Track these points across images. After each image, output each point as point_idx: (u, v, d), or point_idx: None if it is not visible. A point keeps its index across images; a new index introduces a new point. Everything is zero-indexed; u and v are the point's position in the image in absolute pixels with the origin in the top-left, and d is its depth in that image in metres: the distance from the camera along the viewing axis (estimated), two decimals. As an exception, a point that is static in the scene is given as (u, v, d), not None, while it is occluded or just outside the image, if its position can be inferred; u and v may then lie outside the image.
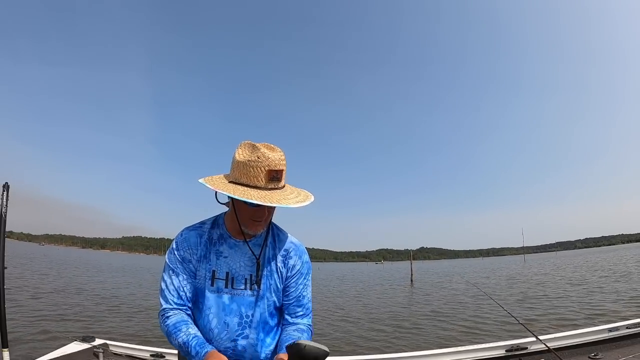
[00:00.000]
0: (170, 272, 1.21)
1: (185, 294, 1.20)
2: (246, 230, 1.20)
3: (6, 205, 2.66)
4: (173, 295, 1.19)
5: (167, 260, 1.23)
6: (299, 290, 1.28)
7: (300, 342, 0.91)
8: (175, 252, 1.22)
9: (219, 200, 1.23)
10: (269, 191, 1.10)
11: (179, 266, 1.21)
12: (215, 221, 1.29)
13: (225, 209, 1.27)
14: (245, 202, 1.11)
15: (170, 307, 1.18)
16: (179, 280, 1.20)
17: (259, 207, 1.14)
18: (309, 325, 1.25)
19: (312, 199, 1.18)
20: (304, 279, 1.30)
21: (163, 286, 1.21)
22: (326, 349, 0.92)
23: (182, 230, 1.27)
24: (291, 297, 1.26)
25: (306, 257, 1.33)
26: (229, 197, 1.16)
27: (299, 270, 1.28)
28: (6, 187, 2.66)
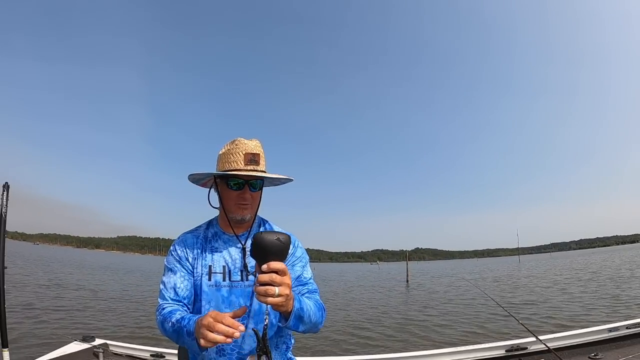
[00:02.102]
0: (168, 271, 1.26)
1: (182, 290, 1.23)
2: (233, 216, 1.26)
3: (6, 205, 2.63)
4: (170, 292, 1.22)
5: (165, 262, 1.29)
6: (298, 272, 1.30)
7: (258, 232, 0.96)
8: (173, 253, 1.29)
9: (211, 203, 1.34)
10: (248, 172, 1.21)
11: (176, 265, 1.26)
12: (210, 222, 1.38)
13: (218, 212, 1.36)
14: (226, 184, 1.24)
15: (167, 302, 1.21)
16: (176, 278, 1.24)
17: (241, 190, 1.23)
18: (317, 300, 1.26)
19: (292, 179, 1.32)
20: (300, 261, 1.33)
21: (161, 286, 1.24)
22: (287, 233, 0.97)
23: (179, 235, 1.34)
24: (291, 279, 1.28)
25: (298, 242, 1.37)
26: (214, 178, 1.29)
27: (292, 254, 1.32)
28: (6, 187, 2.64)
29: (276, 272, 0.92)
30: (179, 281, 1.23)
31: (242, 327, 0.93)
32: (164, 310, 1.17)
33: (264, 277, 0.91)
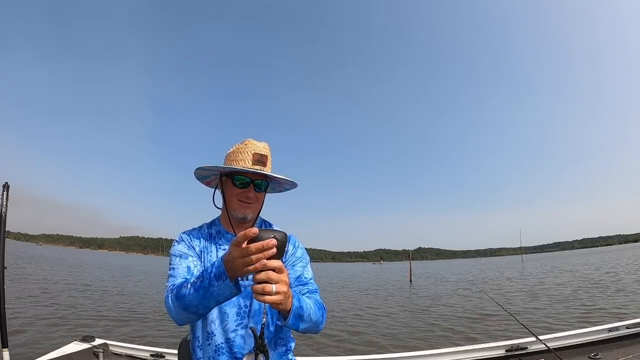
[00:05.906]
0: (177, 258, 1.22)
1: (193, 270, 1.20)
2: (235, 214, 1.27)
3: (6, 205, 2.64)
4: (182, 272, 1.18)
5: (171, 253, 1.26)
6: (298, 272, 1.30)
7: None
8: (181, 242, 1.27)
9: (215, 203, 1.35)
10: (254, 171, 1.24)
11: (185, 251, 1.24)
12: (212, 222, 1.38)
13: (220, 213, 1.36)
14: (231, 181, 1.26)
15: (177, 279, 1.17)
16: (187, 262, 1.22)
17: (245, 189, 1.25)
18: (317, 299, 1.25)
19: (296, 184, 1.35)
20: (301, 261, 1.33)
21: (170, 272, 1.20)
22: (284, 232, 0.93)
23: (180, 233, 1.32)
24: (291, 279, 1.27)
25: (299, 243, 1.38)
26: (219, 178, 1.31)
27: (293, 254, 1.33)
28: (6, 187, 2.65)
29: (273, 269, 0.90)
30: (192, 264, 1.21)
31: (274, 241, 0.88)
32: (176, 284, 1.12)
33: (261, 275, 0.90)
